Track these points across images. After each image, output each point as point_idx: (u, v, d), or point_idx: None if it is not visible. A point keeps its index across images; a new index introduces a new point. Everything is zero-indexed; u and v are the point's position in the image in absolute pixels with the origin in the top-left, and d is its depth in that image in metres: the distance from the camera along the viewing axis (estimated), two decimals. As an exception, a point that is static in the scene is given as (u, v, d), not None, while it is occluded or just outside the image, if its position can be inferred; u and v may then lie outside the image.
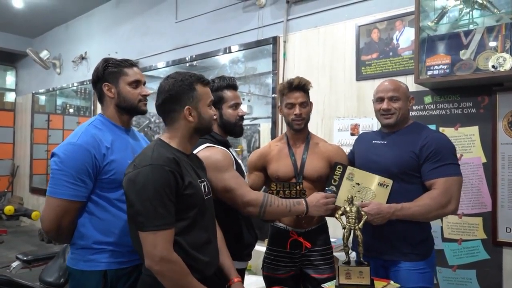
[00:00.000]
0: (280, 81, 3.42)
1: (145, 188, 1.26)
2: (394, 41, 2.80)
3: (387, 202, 1.76)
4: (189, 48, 4.31)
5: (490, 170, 2.38)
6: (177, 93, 1.39)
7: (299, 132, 2.05)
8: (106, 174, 1.45)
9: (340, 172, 1.86)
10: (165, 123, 1.45)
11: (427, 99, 2.64)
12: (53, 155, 1.46)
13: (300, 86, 1.99)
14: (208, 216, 1.44)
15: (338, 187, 1.84)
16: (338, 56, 3.11)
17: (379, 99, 1.93)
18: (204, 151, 1.68)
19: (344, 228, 1.56)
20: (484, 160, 2.41)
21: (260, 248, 2.17)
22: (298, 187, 1.86)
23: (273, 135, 3.53)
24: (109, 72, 1.58)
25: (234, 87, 1.83)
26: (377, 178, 1.81)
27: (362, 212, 1.58)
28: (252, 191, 1.66)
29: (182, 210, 1.33)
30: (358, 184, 1.82)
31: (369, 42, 2.92)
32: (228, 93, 1.81)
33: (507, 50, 2.16)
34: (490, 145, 2.38)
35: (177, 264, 1.28)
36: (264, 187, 2.18)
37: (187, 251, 1.33)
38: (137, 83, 1.61)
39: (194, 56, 4.27)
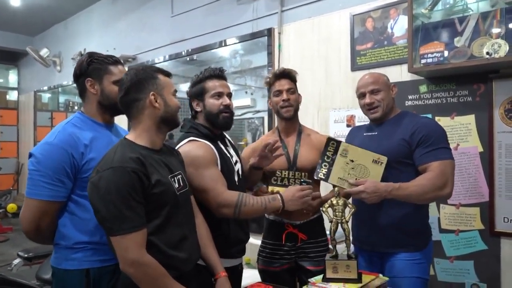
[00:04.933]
0: (276, 73, 3.38)
1: (108, 192, 1.23)
2: (389, 30, 2.75)
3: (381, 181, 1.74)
4: (185, 42, 4.28)
5: (487, 159, 2.33)
6: (140, 80, 1.37)
7: (289, 122, 2.03)
8: (85, 173, 1.42)
9: (333, 148, 1.81)
10: (130, 118, 1.42)
11: (422, 88, 2.59)
12: (30, 155, 1.44)
13: (285, 74, 1.99)
14: (183, 211, 1.42)
15: (331, 163, 1.79)
16: (333, 47, 3.06)
17: (361, 95, 1.93)
18: (186, 145, 1.66)
19: (331, 221, 1.54)
20: (481, 149, 2.36)
21: (258, 241, 2.15)
22: (298, 176, 1.91)
23: (270, 127, 3.50)
24: (93, 67, 1.54)
25: (218, 76, 1.78)
26: (371, 155, 1.77)
27: (349, 205, 1.55)
28: (226, 192, 1.61)
29: (153, 209, 1.31)
30: (352, 161, 1.78)
31: (364, 31, 2.87)
32: (210, 83, 1.76)
33: (502, 36, 2.10)
34: (486, 134, 2.33)
35: (151, 266, 1.26)
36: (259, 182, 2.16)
37: (163, 250, 1.31)
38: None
39: (190, 50, 4.24)
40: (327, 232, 2.15)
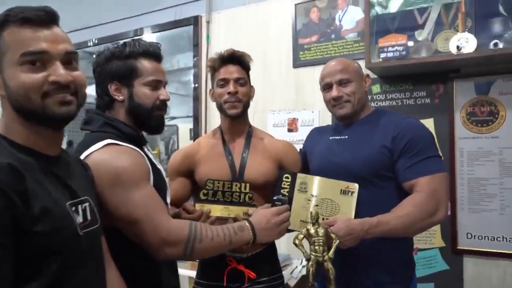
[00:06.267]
0: (203, 69, 2.88)
1: None
2: (337, 22, 2.42)
3: (356, 214, 1.34)
4: (91, 30, 3.56)
5: (448, 168, 2.08)
6: None
7: (236, 121, 1.57)
8: None
9: (289, 184, 1.39)
10: None
11: (375, 88, 2.29)
12: None
13: (235, 58, 1.52)
14: (88, 265, 0.86)
15: (289, 203, 1.37)
16: (272, 40, 2.65)
17: (326, 86, 1.52)
18: (101, 152, 1.08)
19: (308, 259, 1.09)
20: (440, 157, 2.12)
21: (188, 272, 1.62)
22: (242, 188, 1.40)
23: (196, 134, 2.97)
24: None
25: (156, 57, 1.24)
26: (338, 185, 1.38)
27: (332, 235, 1.11)
28: (171, 221, 1.09)
29: (31, 262, 0.74)
30: (314, 196, 1.37)
31: (308, 23, 2.51)
32: (145, 64, 1.21)
33: (470, 30, 1.87)
34: (447, 140, 2.08)
35: None
36: (191, 199, 1.64)
37: None
38: None
39: (96, 41, 3.53)
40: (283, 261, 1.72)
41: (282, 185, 1.40)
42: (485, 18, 1.84)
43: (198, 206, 1.39)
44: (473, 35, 1.85)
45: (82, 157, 1.05)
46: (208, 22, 2.89)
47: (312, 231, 1.10)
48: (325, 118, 2.42)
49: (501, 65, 1.94)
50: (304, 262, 2.51)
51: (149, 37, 3.16)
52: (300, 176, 1.41)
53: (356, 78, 1.49)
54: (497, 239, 1.98)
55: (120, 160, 1.07)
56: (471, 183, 2.04)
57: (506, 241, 1.96)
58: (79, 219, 0.83)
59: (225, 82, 1.52)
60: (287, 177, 1.40)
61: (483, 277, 2.01)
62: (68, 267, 0.78)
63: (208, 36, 2.89)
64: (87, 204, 0.88)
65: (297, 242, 1.11)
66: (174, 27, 3.07)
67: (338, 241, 1.11)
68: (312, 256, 1.09)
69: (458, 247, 2.06)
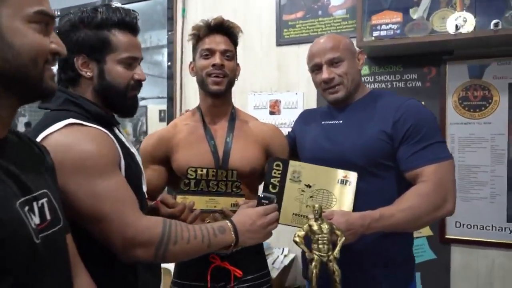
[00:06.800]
0: (178, 45, 2.67)
1: None
2: (324, -3, 2.26)
3: (354, 207, 1.21)
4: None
5: (438, 154, 2.00)
6: None
7: (218, 100, 1.40)
8: None
9: (280, 172, 1.24)
10: None
11: (364, 69, 2.16)
12: None
13: (224, 28, 1.34)
14: (51, 278, 0.67)
15: (280, 194, 1.22)
16: (253, 15, 2.47)
17: (315, 67, 1.37)
18: (62, 133, 0.89)
19: (311, 260, 0.95)
20: (430, 143, 2.03)
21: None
22: (229, 175, 1.25)
23: (170, 116, 2.76)
24: None
25: (132, 29, 1.05)
26: (335, 173, 1.24)
27: (338, 232, 0.97)
28: (143, 219, 0.92)
29: None
30: (308, 186, 1.23)
31: (293, -3, 2.34)
32: (120, 37, 1.02)
33: (469, 8, 1.76)
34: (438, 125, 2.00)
35: None
36: (166, 188, 1.47)
37: None
38: None
39: (59, 12, 3.22)
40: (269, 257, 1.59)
41: (273, 174, 1.25)
42: (484, -4, 1.74)
43: (179, 198, 1.22)
44: (471, 14, 1.74)
45: (38, 139, 0.86)
46: (184, -6, 2.66)
47: (315, 227, 0.96)
48: (310, 100, 2.29)
49: (497, 48, 1.85)
50: (286, 251, 2.40)
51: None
52: (293, 164, 1.26)
53: (348, 56, 1.35)
54: (486, 228, 1.92)
55: (84, 144, 0.89)
56: (462, 170, 1.96)
57: (496, 230, 1.90)
58: (35, 220, 0.65)
59: (210, 53, 1.34)
60: (278, 165, 1.26)
61: (471, 267, 1.96)
62: (21, 283, 0.60)
63: (184, 10, 2.66)
64: (45, 199, 0.69)
65: (298, 240, 0.96)
66: (145, -1, 2.82)
67: (343, 238, 0.98)
68: (316, 256, 0.95)
69: (446, 236, 1.99)
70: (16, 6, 0.65)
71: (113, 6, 1.04)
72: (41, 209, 0.67)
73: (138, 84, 1.07)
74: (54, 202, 0.71)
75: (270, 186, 1.23)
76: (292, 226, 1.20)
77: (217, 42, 1.35)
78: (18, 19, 0.65)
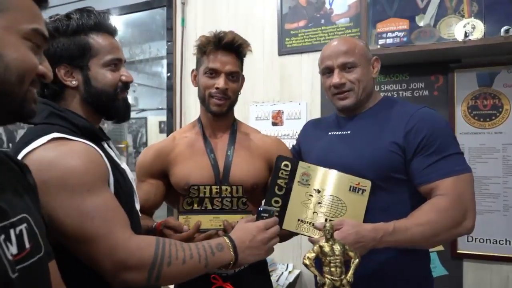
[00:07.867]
0: (178, 56, 2.61)
1: None
2: (327, 6, 2.21)
3: (365, 219, 1.14)
4: (47, 11, 3.20)
5: (448, 166, 1.93)
6: None
7: (219, 117, 1.33)
8: None
9: (287, 173, 1.17)
10: None
11: (369, 79, 2.11)
12: None
13: (233, 46, 1.28)
14: None
15: (285, 198, 1.15)
16: (255, 24, 2.42)
17: (326, 70, 1.30)
18: (45, 148, 0.83)
19: (322, 284, 0.87)
20: (439, 153, 1.96)
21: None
22: (234, 192, 1.20)
23: (170, 128, 2.70)
24: None
25: (110, 30, 1.01)
26: (347, 180, 1.17)
27: (351, 253, 0.90)
28: (134, 239, 0.86)
29: None
30: (317, 191, 1.15)
31: (295, 6, 2.29)
32: (99, 40, 0.97)
33: (477, 15, 1.71)
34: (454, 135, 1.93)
35: None
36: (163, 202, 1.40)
37: None
38: None
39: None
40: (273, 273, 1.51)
41: (280, 174, 1.17)
42: (492, 2, 1.69)
43: (181, 219, 1.15)
44: (480, 21, 1.69)
45: (20, 156, 0.80)
46: (183, 4, 2.61)
47: (326, 248, 0.89)
48: (313, 110, 2.23)
49: (507, 55, 1.80)
50: (290, 267, 2.32)
51: (116, 20, 2.85)
52: (303, 166, 1.19)
53: (363, 62, 1.28)
54: (499, 242, 1.84)
55: (68, 159, 0.83)
56: (474, 182, 1.88)
57: (510, 244, 1.82)
58: (12, 250, 0.58)
59: (215, 73, 1.28)
60: (286, 165, 1.18)
61: (484, 283, 1.87)
62: None
63: (183, 20, 2.62)
64: (23, 225, 0.62)
65: (307, 262, 0.89)
66: (145, 9, 2.78)
67: (357, 260, 0.90)
68: (328, 280, 0.87)
69: (458, 251, 1.91)
70: (14, 20, 0.63)
71: (86, 10, 0.99)
72: (19, 236, 0.60)
73: (125, 86, 1.03)
74: (34, 227, 0.64)
75: (276, 187, 1.16)
76: (296, 233, 1.13)
77: (223, 62, 1.28)
78: (13, 33, 0.63)
